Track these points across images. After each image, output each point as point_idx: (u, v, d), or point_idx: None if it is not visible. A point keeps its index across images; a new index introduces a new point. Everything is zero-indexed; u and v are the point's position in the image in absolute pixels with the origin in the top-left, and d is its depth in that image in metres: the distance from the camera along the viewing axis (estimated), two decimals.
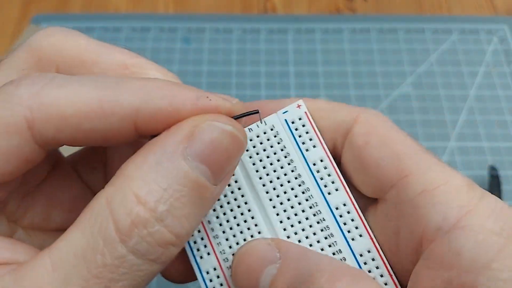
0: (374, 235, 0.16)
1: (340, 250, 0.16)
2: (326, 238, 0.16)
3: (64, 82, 0.14)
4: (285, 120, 0.18)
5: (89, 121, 0.14)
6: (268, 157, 0.18)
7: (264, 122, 0.18)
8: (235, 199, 0.17)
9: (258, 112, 0.17)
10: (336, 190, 0.17)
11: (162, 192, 0.13)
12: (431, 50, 0.50)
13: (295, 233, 0.17)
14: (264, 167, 0.17)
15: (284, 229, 0.17)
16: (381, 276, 0.16)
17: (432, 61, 0.49)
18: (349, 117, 0.17)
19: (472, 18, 0.52)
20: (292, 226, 0.17)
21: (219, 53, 0.49)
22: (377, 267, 0.16)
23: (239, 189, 0.18)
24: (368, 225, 0.17)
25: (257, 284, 0.15)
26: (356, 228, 0.17)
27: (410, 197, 0.15)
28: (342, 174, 0.17)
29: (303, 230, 0.17)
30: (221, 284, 0.17)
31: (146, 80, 0.15)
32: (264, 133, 0.18)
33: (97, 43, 0.18)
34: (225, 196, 0.17)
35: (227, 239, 0.17)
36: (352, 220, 0.17)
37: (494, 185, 0.40)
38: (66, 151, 0.20)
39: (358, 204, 0.17)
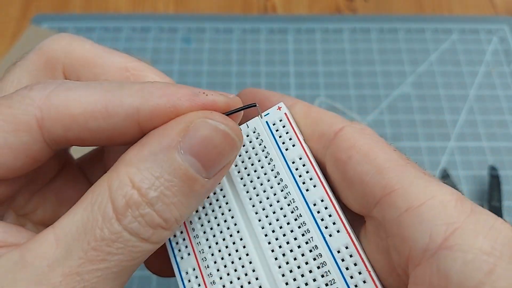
0: (354, 234, 0.16)
1: (316, 246, 0.16)
2: (303, 234, 0.16)
3: (72, 86, 0.16)
4: (266, 122, 0.18)
5: (95, 120, 0.15)
6: (249, 158, 0.18)
7: (247, 125, 0.19)
8: (217, 200, 0.18)
9: (255, 105, 0.18)
10: (314, 186, 0.17)
11: (154, 180, 0.14)
12: (431, 50, 0.50)
13: (273, 231, 0.17)
14: (245, 168, 0.18)
15: (262, 227, 0.17)
16: (359, 273, 0.16)
17: (432, 61, 0.49)
18: (331, 129, 0.17)
19: (472, 18, 0.52)
20: (270, 224, 0.17)
21: (220, 53, 0.49)
22: (355, 264, 0.16)
23: (221, 190, 0.18)
24: (348, 222, 0.16)
25: None
26: (334, 223, 0.16)
27: (394, 216, 0.14)
28: (332, 190, 0.17)
29: (280, 227, 0.17)
30: (199, 285, 0.17)
31: (145, 82, 0.16)
32: (247, 135, 0.18)
33: (101, 47, 0.19)
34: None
35: (207, 239, 0.17)
36: (330, 215, 0.16)
37: (494, 185, 0.40)
38: (75, 153, 0.21)
39: (351, 222, 0.17)
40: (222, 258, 0.17)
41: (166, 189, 0.15)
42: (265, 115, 0.18)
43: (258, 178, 0.18)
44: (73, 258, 0.14)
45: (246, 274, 0.17)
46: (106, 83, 0.16)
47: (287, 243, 0.17)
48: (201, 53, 0.49)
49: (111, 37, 0.50)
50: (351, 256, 0.16)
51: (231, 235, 0.17)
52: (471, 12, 0.53)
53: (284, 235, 0.17)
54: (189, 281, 0.17)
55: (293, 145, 0.18)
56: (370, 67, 0.48)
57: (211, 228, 0.18)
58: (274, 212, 0.17)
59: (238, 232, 0.17)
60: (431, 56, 0.49)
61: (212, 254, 0.17)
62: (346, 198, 0.17)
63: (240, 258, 0.17)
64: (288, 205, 0.17)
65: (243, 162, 0.18)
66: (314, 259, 0.16)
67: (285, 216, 0.17)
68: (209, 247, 0.17)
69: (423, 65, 0.49)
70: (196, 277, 0.17)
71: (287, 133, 0.18)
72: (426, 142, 0.44)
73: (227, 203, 0.18)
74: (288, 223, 0.17)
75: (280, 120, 0.18)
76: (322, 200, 0.17)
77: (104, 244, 0.14)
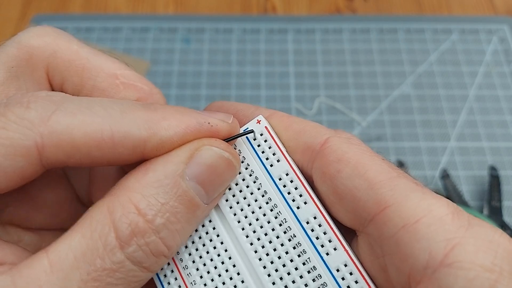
0: (351, 250, 0.16)
1: (314, 267, 0.16)
2: (299, 255, 0.16)
3: (75, 109, 0.14)
4: (247, 137, 0.17)
5: (99, 150, 0.14)
6: None
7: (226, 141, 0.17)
8: (203, 226, 0.17)
9: (253, 132, 0.17)
10: (305, 203, 0.16)
11: (160, 207, 0.14)
12: (431, 50, 0.50)
13: (267, 254, 0.16)
14: (229, 189, 0.17)
15: (255, 251, 0.16)
16: None
17: (432, 61, 0.49)
18: (316, 141, 0.16)
19: (472, 18, 0.52)
20: (263, 247, 0.16)
21: (219, 54, 0.49)
22: (356, 282, 0.15)
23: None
24: (344, 238, 0.16)
25: None
26: (330, 241, 0.16)
27: (391, 234, 0.14)
28: (321, 203, 0.16)
29: (274, 250, 0.16)
30: None
31: (150, 107, 0.16)
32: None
33: (89, 49, 0.18)
34: None
35: (197, 269, 0.17)
36: (325, 233, 0.16)
37: (494, 185, 0.40)
38: None
39: (343, 237, 0.16)
40: None
41: (171, 215, 0.14)
42: (244, 130, 0.17)
43: (245, 198, 0.17)
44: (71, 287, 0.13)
45: None
46: (111, 106, 0.15)
47: (284, 265, 0.16)
48: (200, 54, 0.49)
49: (111, 37, 0.50)
50: (351, 273, 0.15)
51: (222, 262, 0.16)
52: (471, 12, 0.53)
53: (279, 257, 0.16)
54: None
55: (278, 161, 0.17)
56: (370, 67, 0.48)
57: (201, 257, 0.17)
58: (266, 234, 0.16)
59: (230, 258, 0.16)
60: (431, 56, 0.49)
61: (205, 285, 0.16)
62: (336, 213, 0.16)
63: (235, 286, 0.16)
64: (280, 225, 0.16)
65: None
66: (314, 280, 0.15)
67: (278, 237, 0.16)
68: (201, 277, 0.16)
69: (423, 65, 0.48)
70: None
71: (269, 148, 0.17)
72: (426, 142, 0.44)
73: (214, 228, 0.17)
74: (282, 245, 0.16)
75: (261, 135, 0.17)
76: (315, 217, 0.16)
77: (104, 274, 0.13)
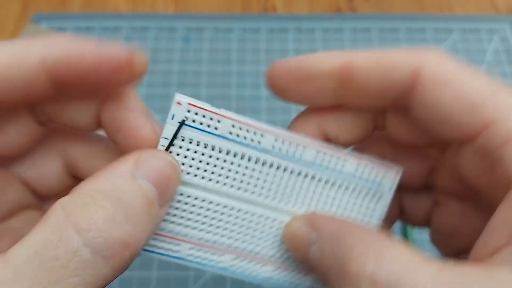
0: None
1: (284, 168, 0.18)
2: (277, 167, 0.19)
3: None
4: (186, 124, 0.17)
5: (9, 70, 0.15)
6: (208, 163, 0.17)
7: (166, 138, 0.17)
8: (179, 201, 0.18)
9: (184, 121, 0.17)
10: (262, 136, 0.18)
11: (116, 204, 0.14)
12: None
13: (247, 188, 0.18)
14: (190, 166, 0.17)
15: (238, 188, 0.18)
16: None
17: None
18: (404, 78, 0.16)
19: (473, 17, 0.52)
20: (241, 181, 0.18)
21: (219, 53, 0.49)
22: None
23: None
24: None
25: (308, 259, 0.17)
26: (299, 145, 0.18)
27: (493, 148, 0.15)
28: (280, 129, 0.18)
29: (254, 177, 0.18)
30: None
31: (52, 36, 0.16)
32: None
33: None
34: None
35: (193, 227, 0.18)
36: (289, 144, 0.18)
37: None
38: None
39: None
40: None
41: (129, 210, 0.15)
42: (172, 119, 0.16)
43: (208, 164, 0.17)
44: (22, 279, 0.12)
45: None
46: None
47: (265, 181, 0.18)
48: (200, 53, 0.49)
49: (110, 37, 0.49)
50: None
51: (215, 211, 0.18)
52: (472, 11, 0.53)
53: (256, 185, 0.18)
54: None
55: (219, 121, 0.17)
56: None
57: (189, 219, 0.18)
58: (244, 174, 0.18)
59: (217, 204, 0.18)
60: None
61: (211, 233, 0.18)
62: (437, 134, 0.16)
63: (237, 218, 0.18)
64: (249, 160, 0.18)
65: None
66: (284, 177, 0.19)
67: (253, 170, 0.18)
68: (200, 230, 0.18)
69: None
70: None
71: (204, 116, 0.17)
72: None
73: (189, 196, 0.18)
74: (260, 172, 0.18)
75: (196, 114, 0.17)
76: (276, 140, 0.18)
77: (58, 264, 0.13)
